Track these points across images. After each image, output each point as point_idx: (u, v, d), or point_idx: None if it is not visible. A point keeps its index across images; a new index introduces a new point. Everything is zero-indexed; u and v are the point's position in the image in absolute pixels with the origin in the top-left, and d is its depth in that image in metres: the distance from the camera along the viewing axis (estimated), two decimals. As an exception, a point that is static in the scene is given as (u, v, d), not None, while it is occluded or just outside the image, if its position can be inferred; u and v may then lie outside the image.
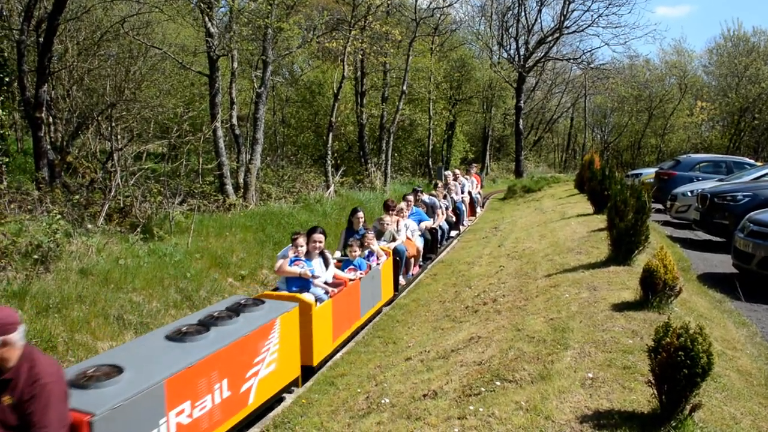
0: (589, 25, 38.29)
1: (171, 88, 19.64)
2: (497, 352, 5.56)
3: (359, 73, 29.42)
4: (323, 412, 5.72)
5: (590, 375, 4.54)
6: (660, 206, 16.24)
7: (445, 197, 15.34)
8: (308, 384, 6.75)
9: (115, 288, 8.72)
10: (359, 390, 6.02)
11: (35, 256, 8.52)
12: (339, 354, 7.69)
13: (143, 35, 17.15)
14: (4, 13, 14.72)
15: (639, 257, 7.87)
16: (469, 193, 18.89)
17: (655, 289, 5.81)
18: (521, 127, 40.42)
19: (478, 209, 21.04)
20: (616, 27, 43.96)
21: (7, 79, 13.25)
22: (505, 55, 42.25)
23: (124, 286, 8.89)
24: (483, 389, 4.79)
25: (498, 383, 4.83)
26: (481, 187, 23.58)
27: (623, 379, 4.42)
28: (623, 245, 7.81)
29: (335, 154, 29.53)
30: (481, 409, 4.44)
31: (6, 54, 13.73)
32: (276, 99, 32.95)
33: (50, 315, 7.39)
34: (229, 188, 16.82)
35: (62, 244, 9.15)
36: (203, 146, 17.23)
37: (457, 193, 17.01)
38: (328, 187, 21.13)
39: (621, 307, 5.99)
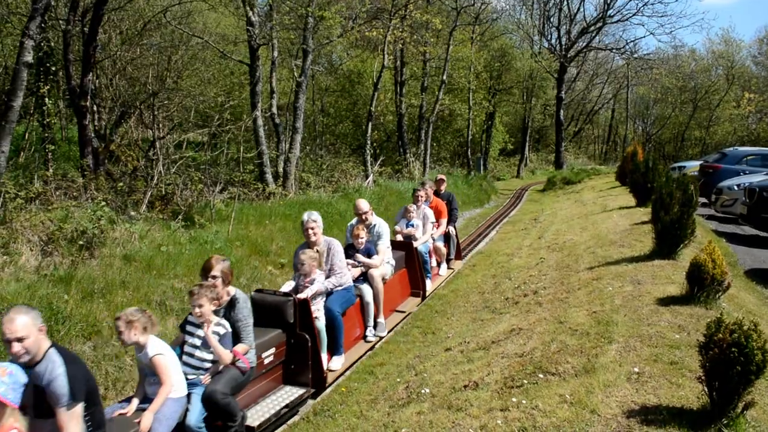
0: (633, 14, 37.80)
1: (212, 77, 19.76)
2: (539, 344, 5.50)
3: (399, 62, 29.29)
4: (363, 400, 5.73)
5: (636, 369, 4.46)
6: (704, 200, 15.87)
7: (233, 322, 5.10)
8: (347, 373, 6.76)
9: (158, 274, 8.83)
10: (399, 380, 6.00)
11: (80, 242, 8.69)
12: (378, 344, 7.67)
13: (185, 25, 17.27)
14: (52, 3, 15.00)
15: (684, 251, 7.71)
16: (409, 243, 9.25)
17: (702, 284, 5.67)
18: (562, 118, 40.02)
19: (441, 270, 10.69)
20: (661, 16, 43.83)
21: (53, 69, 13.51)
22: (546, 44, 41.86)
23: (166, 272, 8.99)
24: (525, 381, 4.74)
25: (541, 376, 4.77)
26: (452, 220, 11.30)
27: (670, 374, 4.33)
28: (668, 239, 7.65)
29: (374, 144, 29.54)
30: (524, 402, 4.39)
31: (53, 44, 13.97)
32: (315, 88, 33.01)
33: (95, 300, 7.51)
34: (269, 177, 16.91)
35: (106, 231, 9.31)
36: (243, 135, 17.36)
37: (337, 271, 6.85)
38: (366, 177, 21.13)
39: (666, 301, 5.87)
